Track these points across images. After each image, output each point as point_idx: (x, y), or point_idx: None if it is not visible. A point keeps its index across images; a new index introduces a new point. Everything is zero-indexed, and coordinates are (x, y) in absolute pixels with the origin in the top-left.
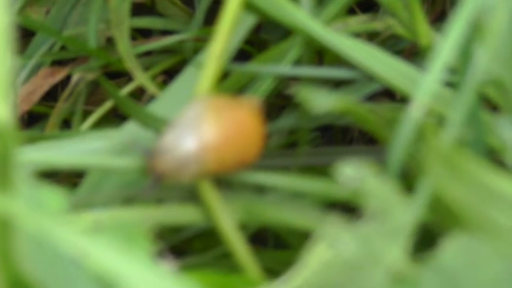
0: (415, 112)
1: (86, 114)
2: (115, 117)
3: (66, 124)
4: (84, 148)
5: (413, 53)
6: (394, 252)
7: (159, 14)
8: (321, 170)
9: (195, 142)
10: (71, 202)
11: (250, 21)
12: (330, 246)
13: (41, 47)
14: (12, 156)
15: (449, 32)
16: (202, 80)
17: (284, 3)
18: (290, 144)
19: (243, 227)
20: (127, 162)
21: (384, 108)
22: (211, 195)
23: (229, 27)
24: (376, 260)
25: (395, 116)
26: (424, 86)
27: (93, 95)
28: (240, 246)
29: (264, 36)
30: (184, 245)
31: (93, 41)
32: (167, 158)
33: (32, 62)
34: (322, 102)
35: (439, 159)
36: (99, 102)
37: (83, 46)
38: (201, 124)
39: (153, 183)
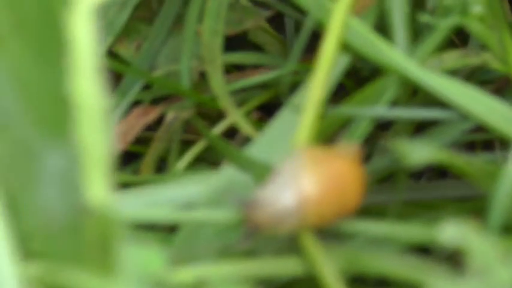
0: None
1: (183, 151)
2: (212, 155)
3: (162, 163)
4: (179, 195)
5: (505, 86)
6: None
7: (252, 43)
8: (421, 205)
9: (295, 196)
10: (168, 257)
11: (345, 60)
12: None
13: (133, 85)
14: (113, 243)
15: None
16: (301, 128)
17: (378, 42)
18: (389, 177)
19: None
20: (223, 214)
21: (482, 158)
22: (312, 246)
23: (327, 71)
24: None
25: (494, 169)
26: None
27: (189, 132)
28: None
29: (357, 64)
30: None
31: (186, 80)
32: (265, 211)
33: (125, 102)
34: (418, 156)
35: None
36: (195, 140)
37: (175, 85)
38: (301, 178)
39: (248, 234)
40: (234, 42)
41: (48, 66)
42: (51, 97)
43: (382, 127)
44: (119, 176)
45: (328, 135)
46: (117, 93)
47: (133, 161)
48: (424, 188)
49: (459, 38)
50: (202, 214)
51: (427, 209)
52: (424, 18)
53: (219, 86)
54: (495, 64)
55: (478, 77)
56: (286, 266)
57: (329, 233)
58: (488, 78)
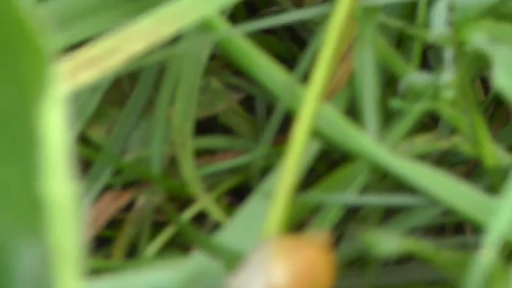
0: (485, 257)
1: (155, 234)
2: (183, 239)
3: (133, 246)
4: (150, 283)
5: (475, 168)
6: None
7: (223, 125)
8: None
9: (265, 286)
10: None
11: (316, 145)
12: None
13: (104, 169)
14: None
15: None
16: (271, 216)
17: (348, 128)
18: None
19: None
20: None
21: (452, 241)
22: None
23: (298, 159)
24: None
25: (462, 257)
26: (499, 219)
27: (161, 215)
28: None
29: (328, 147)
30: None
31: (156, 165)
32: None
33: (96, 186)
34: (386, 245)
35: None
36: (167, 223)
37: (146, 171)
38: (271, 267)
39: None
40: (205, 124)
41: (20, 163)
42: (23, 194)
43: (353, 210)
44: (90, 261)
45: (298, 221)
46: (89, 178)
47: (105, 245)
48: (393, 271)
49: (431, 120)
50: None
51: None
52: (395, 103)
53: (189, 171)
54: (465, 147)
55: (449, 159)
56: None
57: None
58: (459, 160)
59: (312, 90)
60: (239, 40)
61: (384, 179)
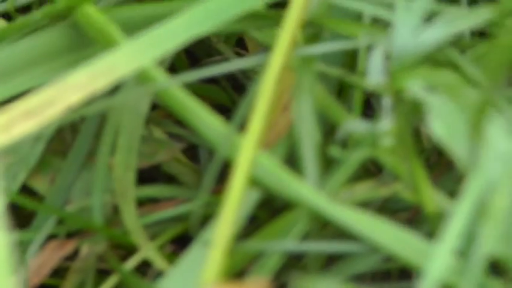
0: None
1: (100, 281)
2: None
3: None
4: None
5: (416, 215)
6: None
7: (166, 174)
8: None
9: None
10: None
11: (255, 194)
12: None
13: (48, 219)
14: None
15: (456, 214)
16: (209, 264)
17: (287, 177)
18: None
19: None
20: None
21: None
22: None
23: (235, 208)
24: None
25: None
26: (436, 263)
27: (105, 264)
28: None
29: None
30: None
31: (97, 215)
32: None
33: (40, 236)
34: None
35: None
36: (111, 270)
37: (87, 221)
38: None
39: None
40: (148, 172)
41: None
42: None
43: (295, 258)
44: None
45: (239, 269)
46: (32, 228)
47: None
48: None
49: (374, 166)
50: None
51: None
52: (334, 151)
53: (131, 221)
54: (406, 194)
55: (391, 206)
56: None
57: None
58: (401, 207)
59: (248, 139)
60: (177, 91)
61: (326, 227)
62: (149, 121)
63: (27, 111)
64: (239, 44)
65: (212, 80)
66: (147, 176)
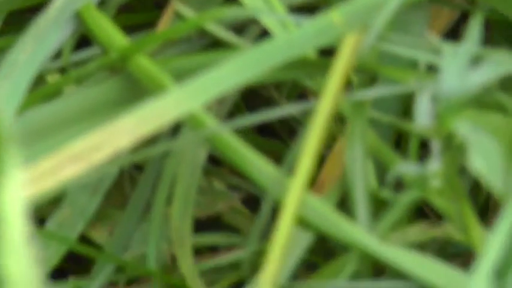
0: None
1: None
2: None
3: None
4: None
5: (471, 259)
6: None
7: (226, 224)
8: None
9: None
10: None
11: (307, 238)
12: None
13: (106, 268)
14: None
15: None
16: None
17: (338, 219)
18: None
19: None
20: None
21: None
22: None
23: (282, 249)
24: None
25: None
26: None
27: None
28: None
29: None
30: None
31: (152, 263)
32: None
33: (97, 284)
34: None
35: None
36: None
37: (144, 269)
38: None
39: None
40: (208, 224)
41: None
42: None
43: None
44: None
45: None
46: (91, 276)
47: None
48: None
49: (429, 209)
50: None
51: None
52: (385, 193)
53: (188, 268)
54: (458, 236)
55: (448, 250)
56: None
57: None
58: (457, 251)
59: (296, 180)
60: (227, 136)
61: (379, 273)
62: (209, 173)
63: (74, 156)
64: (302, 96)
65: (270, 132)
66: (207, 227)
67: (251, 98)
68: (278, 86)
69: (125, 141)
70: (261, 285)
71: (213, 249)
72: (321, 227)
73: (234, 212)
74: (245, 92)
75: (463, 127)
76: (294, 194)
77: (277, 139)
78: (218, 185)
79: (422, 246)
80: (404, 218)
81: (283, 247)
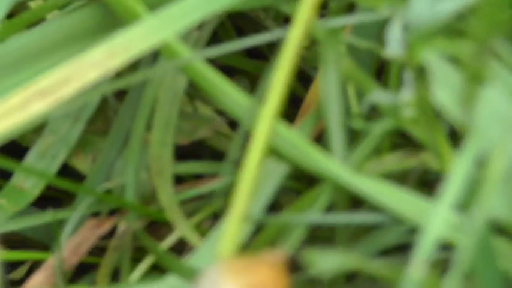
0: (415, 271)
1: (140, 258)
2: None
3: (116, 273)
4: None
5: None
6: None
7: (212, 151)
8: None
9: None
10: None
11: (282, 171)
12: None
13: (86, 198)
14: None
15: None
16: (225, 237)
17: (311, 150)
18: None
19: None
20: None
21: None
22: None
23: (251, 179)
24: None
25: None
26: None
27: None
28: None
29: None
30: None
31: (130, 194)
32: None
33: (76, 215)
34: (328, 265)
35: None
36: (148, 251)
37: (121, 199)
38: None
39: None
40: (193, 149)
41: None
42: None
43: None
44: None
45: (269, 242)
46: (72, 207)
47: (89, 271)
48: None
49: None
50: None
51: None
52: (358, 124)
53: (167, 198)
54: (434, 164)
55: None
56: None
57: None
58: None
59: (266, 110)
60: (200, 64)
61: (354, 204)
62: (194, 99)
63: (42, 91)
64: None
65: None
66: (192, 155)
67: (243, 22)
68: (265, 9)
69: (93, 74)
70: (231, 217)
71: (198, 178)
72: (294, 158)
73: (219, 136)
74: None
75: (430, 57)
76: (264, 123)
77: (265, 61)
78: (204, 110)
79: (399, 174)
80: (383, 149)
81: (254, 178)
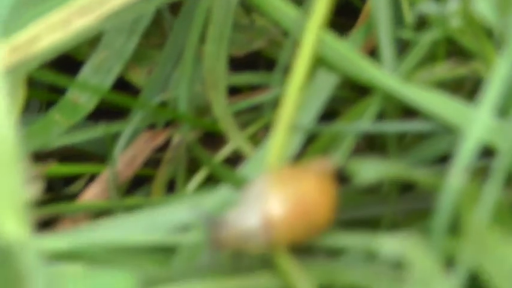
0: (455, 179)
1: (195, 169)
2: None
3: (171, 185)
4: (173, 218)
5: None
6: None
7: (267, 60)
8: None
9: (259, 217)
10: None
11: (334, 79)
12: None
13: (141, 111)
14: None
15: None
16: (272, 147)
17: (360, 60)
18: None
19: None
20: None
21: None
22: (286, 262)
23: (298, 90)
24: None
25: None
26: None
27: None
28: None
29: None
30: None
31: (183, 106)
32: (230, 232)
33: (130, 128)
34: (369, 174)
35: (473, 238)
36: (202, 162)
37: (176, 112)
38: (266, 198)
39: (212, 253)
40: (251, 60)
41: None
42: None
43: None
44: (131, 199)
45: (321, 151)
46: (127, 120)
47: (144, 184)
48: (417, 197)
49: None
50: (194, 236)
51: (422, 219)
52: (406, 34)
53: (221, 110)
54: (484, 73)
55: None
56: (262, 283)
57: (303, 249)
58: None
59: (313, 21)
60: None
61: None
62: (251, 11)
63: (84, 7)
64: None
65: None
66: (249, 65)
67: None
68: None
69: None
70: (278, 127)
71: (253, 89)
72: (344, 68)
73: (275, 46)
74: None
75: None
76: (310, 33)
77: None
78: (260, 21)
79: (457, 86)
80: (437, 58)
81: (301, 87)
